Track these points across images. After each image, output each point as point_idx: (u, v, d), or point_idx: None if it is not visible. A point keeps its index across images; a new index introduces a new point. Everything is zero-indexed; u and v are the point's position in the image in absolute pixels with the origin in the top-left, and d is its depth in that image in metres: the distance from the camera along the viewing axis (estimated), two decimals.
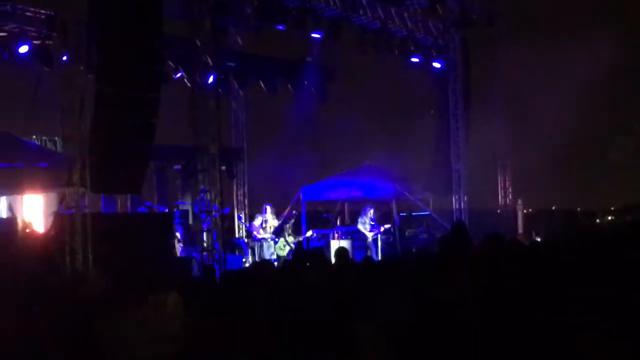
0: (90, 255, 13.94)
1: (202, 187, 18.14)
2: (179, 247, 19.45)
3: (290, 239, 22.17)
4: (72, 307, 6.67)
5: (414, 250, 22.98)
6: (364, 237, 22.69)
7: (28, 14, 18.92)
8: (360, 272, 8.67)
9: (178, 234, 19.52)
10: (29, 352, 6.50)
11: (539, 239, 15.35)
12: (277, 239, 22.00)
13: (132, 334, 5.74)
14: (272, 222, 22.17)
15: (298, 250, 17.85)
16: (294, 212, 23.73)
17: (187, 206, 23.54)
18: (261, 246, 21.90)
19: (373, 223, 22.82)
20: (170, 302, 5.80)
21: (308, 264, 10.77)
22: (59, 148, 20.92)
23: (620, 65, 32.34)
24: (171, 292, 6.20)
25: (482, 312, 6.86)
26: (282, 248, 21.95)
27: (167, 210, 21.16)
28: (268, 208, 22.34)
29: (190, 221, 22.60)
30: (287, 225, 22.49)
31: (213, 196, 18.02)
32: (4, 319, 6.90)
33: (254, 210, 25.20)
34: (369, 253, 21.98)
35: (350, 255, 19.10)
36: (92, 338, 6.38)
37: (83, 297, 7.01)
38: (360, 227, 22.79)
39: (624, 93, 33.78)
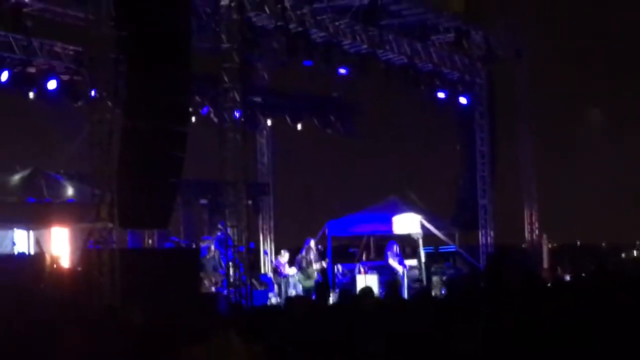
0: (118, 291, 13.88)
1: (220, 221, 18.04)
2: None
3: (314, 268, 21.91)
4: (108, 344, 6.62)
5: (442, 285, 22.98)
6: (394, 271, 22.48)
7: (56, 49, 19.10)
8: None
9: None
10: None
11: (568, 277, 15.25)
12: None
13: None
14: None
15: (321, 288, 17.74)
16: (319, 246, 23.60)
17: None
18: (287, 282, 21.77)
19: (398, 258, 22.68)
20: (232, 342, 5.72)
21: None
22: (86, 183, 20.99)
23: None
24: (230, 331, 6.12)
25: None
26: (306, 279, 21.72)
27: (193, 246, 21.09)
28: (312, 242, 22.24)
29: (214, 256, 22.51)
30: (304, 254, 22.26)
31: (239, 231, 17.96)
32: (37, 353, 6.87)
33: (279, 245, 25.15)
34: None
35: (377, 290, 19.10)
36: None
37: (119, 334, 6.96)
38: (390, 261, 22.59)
39: None
